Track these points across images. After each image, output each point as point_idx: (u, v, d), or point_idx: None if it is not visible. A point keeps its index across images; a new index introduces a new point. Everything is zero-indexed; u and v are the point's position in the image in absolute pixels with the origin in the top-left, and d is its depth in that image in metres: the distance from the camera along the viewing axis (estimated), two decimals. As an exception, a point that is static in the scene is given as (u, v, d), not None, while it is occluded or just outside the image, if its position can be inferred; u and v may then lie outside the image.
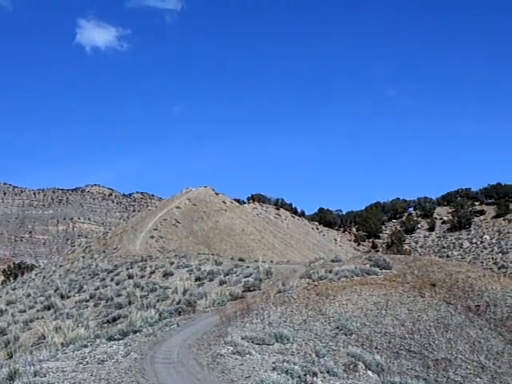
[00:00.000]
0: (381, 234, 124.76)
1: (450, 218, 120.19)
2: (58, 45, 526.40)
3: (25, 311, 37.39)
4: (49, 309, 36.33)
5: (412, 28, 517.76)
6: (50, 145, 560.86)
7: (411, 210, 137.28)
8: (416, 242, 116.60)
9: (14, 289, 59.86)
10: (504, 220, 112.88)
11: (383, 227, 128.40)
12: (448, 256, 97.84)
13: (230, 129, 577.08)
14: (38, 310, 36.80)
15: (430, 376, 17.07)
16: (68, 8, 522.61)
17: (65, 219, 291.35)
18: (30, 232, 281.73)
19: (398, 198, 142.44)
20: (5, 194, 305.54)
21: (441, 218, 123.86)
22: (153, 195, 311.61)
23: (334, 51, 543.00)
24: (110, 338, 20.16)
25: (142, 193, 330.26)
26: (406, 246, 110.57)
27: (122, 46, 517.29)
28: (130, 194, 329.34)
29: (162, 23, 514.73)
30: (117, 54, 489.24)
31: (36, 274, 74.96)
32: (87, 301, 37.09)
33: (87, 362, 15.00)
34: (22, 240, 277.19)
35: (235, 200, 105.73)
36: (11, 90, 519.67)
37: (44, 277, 66.57)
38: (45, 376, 13.12)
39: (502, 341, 19.13)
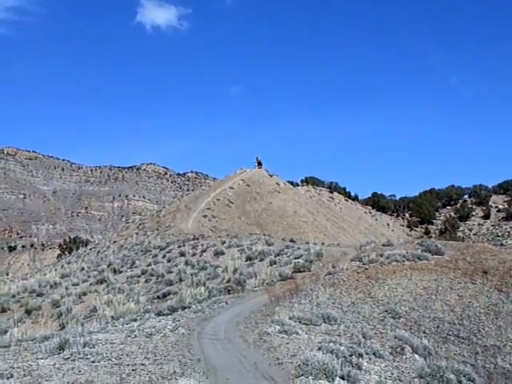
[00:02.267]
0: (434, 221, 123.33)
1: (506, 206, 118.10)
2: (118, 23, 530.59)
3: (78, 284, 38.05)
4: (101, 283, 36.94)
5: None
6: (108, 123, 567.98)
7: (466, 197, 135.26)
8: (470, 230, 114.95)
9: (68, 263, 61.00)
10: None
11: (437, 214, 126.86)
12: (502, 244, 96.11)
13: (285, 111, 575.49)
14: (90, 284, 37.44)
15: (477, 362, 16.85)
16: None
17: (120, 196, 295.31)
18: (86, 208, 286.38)
19: (453, 185, 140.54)
20: (63, 170, 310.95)
21: (496, 207, 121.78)
22: (207, 175, 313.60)
23: (394, 39, 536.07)
24: (159, 313, 20.43)
25: (196, 172, 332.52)
26: (459, 233, 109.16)
27: (182, 26, 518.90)
28: (185, 174, 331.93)
29: (223, 4, 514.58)
30: (177, 33, 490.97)
31: (90, 249, 76.24)
32: (139, 276, 37.56)
33: (135, 335, 15.22)
34: (78, 215, 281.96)
35: (289, 182, 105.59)
36: (72, 69, 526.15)
37: (98, 252, 67.64)
38: (94, 347, 13.35)
39: (554, 330, 18.80)
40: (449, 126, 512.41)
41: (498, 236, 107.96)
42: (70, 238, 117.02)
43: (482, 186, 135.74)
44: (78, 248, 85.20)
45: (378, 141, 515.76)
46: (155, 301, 28.46)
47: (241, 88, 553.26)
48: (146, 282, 35.73)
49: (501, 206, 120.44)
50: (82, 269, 46.70)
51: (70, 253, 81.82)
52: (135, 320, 19.04)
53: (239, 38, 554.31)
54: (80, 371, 11.20)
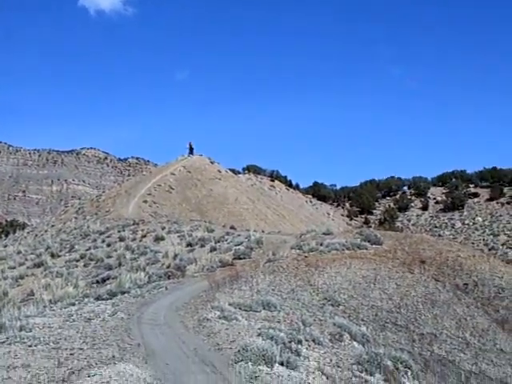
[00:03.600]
0: (374, 211, 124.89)
1: (444, 198, 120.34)
2: (60, 6, 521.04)
3: (15, 268, 37.44)
4: (39, 266, 36.42)
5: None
6: (47, 106, 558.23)
7: (405, 188, 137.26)
8: (409, 220, 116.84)
9: (5, 246, 59.85)
10: (497, 203, 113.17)
11: (377, 204, 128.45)
12: (440, 235, 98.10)
13: (228, 98, 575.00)
14: (28, 268, 36.88)
15: (414, 349, 17.18)
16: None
17: (59, 180, 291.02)
18: (24, 191, 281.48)
19: (393, 176, 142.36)
20: (0, 152, 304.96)
21: (434, 198, 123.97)
22: (148, 161, 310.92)
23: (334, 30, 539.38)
24: (97, 298, 20.22)
25: (137, 158, 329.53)
26: (398, 224, 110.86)
27: (127, 11, 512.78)
28: (126, 159, 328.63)
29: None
30: (122, 18, 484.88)
31: (28, 233, 75.03)
32: (77, 261, 37.13)
33: (74, 320, 15.06)
34: (15, 199, 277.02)
35: (230, 170, 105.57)
36: (11, 50, 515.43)
37: (36, 235, 66.61)
38: (30, 331, 13.15)
39: (488, 319, 19.26)
40: (390, 117, 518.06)
41: (436, 227, 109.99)
42: (6, 220, 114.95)
43: (421, 177, 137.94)
44: (14, 231, 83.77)
45: (319, 130, 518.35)
46: (94, 285, 28.23)
47: (186, 74, 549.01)
48: (85, 266, 35.38)
49: (439, 198, 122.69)
50: (19, 252, 45.91)
51: (6, 236, 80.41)
52: (73, 304, 18.80)
53: (185, 24, 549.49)
54: (16, 355, 11.05)
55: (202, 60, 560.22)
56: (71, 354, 11.33)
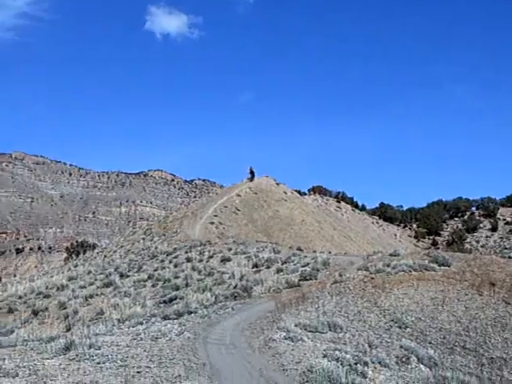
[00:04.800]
0: (441, 232, 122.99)
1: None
2: (127, 31, 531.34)
3: (85, 287, 38.05)
4: (108, 286, 36.97)
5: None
6: (116, 129, 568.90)
7: (474, 209, 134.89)
8: (477, 242, 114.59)
9: (75, 266, 61.04)
10: None
11: (444, 225, 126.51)
12: (510, 257, 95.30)
13: (294, 119, 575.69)
14: (97, 287, 37.45)
15: (483, 374, 16.79)
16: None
17: (127, 202, 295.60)
18: (94, 212, 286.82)
19: (461, 197, 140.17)
20: (70, 174, 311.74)
21: (504, 219, 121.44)
22: (214, 182, 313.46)
23: (401, 52, 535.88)
24: (165, 317, 20.46)
25: (203, 179, 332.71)
26: (466, 245, 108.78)
27: (193, 33, 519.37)
28: (192, 181, 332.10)
29: (234, 13, 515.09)
30: (187, 41, 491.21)
31: (97, 253, 76.25)
32: (145, 281, 37.53)
33: (141, 338, 15.26)
34: (85, 220, 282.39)
35: (296, 191, 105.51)
36: (81, 75, 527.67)
37: (105, 256, 67.67)
38: (99, 349, 13.39)
39: (561, 344, 18.74)
40: (457, 137, 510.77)
41: (506, 248, 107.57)
42: (77, 241, 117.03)
43: (489, 198, 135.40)
44: (85, 252, 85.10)
45: (385, 151, 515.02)
46: (161, 305, 28.48)
47: (251, 96, 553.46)
48: (153, 286, 35.74)
49: (509, 219, 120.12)
50: (89, 272, 46.71)
51: (77, 256, 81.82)
52: (141, 323, 19.07)
53: (250, 46, 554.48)
54: (85, 372, 11.26)
55: (267, 81, 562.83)
56: (138, 372, 11.48)
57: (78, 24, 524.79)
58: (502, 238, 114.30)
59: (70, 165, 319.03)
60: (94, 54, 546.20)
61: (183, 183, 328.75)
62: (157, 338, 15.30)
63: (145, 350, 13.63)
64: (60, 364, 11.85)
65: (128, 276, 40.63)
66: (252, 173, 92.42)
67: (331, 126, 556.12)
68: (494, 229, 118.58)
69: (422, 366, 15.53)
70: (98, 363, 12.07)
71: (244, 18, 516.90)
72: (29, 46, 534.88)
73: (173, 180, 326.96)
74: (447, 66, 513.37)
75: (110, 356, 12.68)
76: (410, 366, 15.25)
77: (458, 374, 14.30)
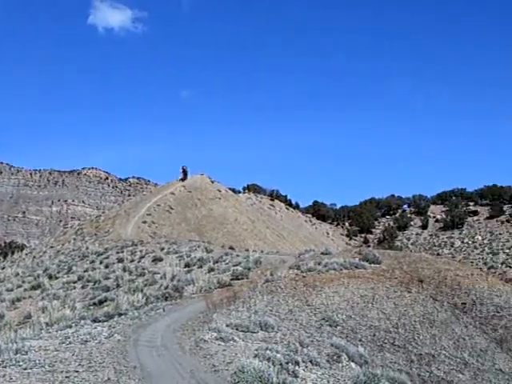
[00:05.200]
0: (373, 230, 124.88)
1: (444, 216, 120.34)
2: (69, 24, 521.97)
3: (12, 290, 37.38)
4: (36, 289, 36.38)
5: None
6: (49, 125, 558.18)
7: (405, 207, 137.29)
8: (408, 239, 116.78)
9: (2, 268, 59.87)
10: (497, 221, 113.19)
11: (376, 223, 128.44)
12: (439, 254, 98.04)
13: (229, 117, 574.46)
14: (25, 290, 36.81)
15: (412, 370, 17.11)
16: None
17: (59, 201, 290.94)
18: (24, 212, 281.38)
19: (393, 195, 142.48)
20: (1, 172, 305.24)
21: (434, 217, 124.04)
22: (149, 181, 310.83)
23: (339, 48, 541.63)
24: (94, 320, 20.19)
25: (138, 178, 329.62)
26: (397, 243, 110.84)
27: (137, 28, 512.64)
28: (126, 179, 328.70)
29: (179, 8, 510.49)
30: (131, 36, 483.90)
31: (26, 254, 74.98)
32: (75, 282, 37.08)
33: (70, 342, 15.01)
34: (15, 220, 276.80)
35: (230, 189, 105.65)
36: (15, 67, 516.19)
37: (34, 257, 66.57)
38: (26, 353, 13.11)
39: (487, 339, 19.19)
40: (390, 135, 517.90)
41: (436, 246, 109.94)
42: (5, 242, 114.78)
43: (421, 196, 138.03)
44: (13, 253, 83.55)
45: (319, 149, 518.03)
46: (91, 307, 28.16)
47: (190, 93, 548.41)
48: (83, 288, 35.30)
49: (439, 216, 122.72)
50: (17, 274, 45.88)
51: (4, 258, 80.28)
52: (70, 327, 18.76)
53: (193, 43, 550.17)
54: (11, 378, 11.01)
55: (206, 79, 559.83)
56: (67, 377, 11.28)
57: (17, 17, 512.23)
58: (431, 235, 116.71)
59: (1, 162, 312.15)
60: (34, 48, 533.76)
61: (117, 181, 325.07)
62: (86, 342, 15.07)
63: (74, 354, 13.41)
64: (-15, 370, 11.59)
65: (57, 278, 40.04)
66: (185, 172, 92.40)
67: (266, 124, 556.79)
68: (424, 226, 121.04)
69: (352, 363, 15.69)
70: (25, 369, 11.81)
71: (189, 14, 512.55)
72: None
73: (107, 178, 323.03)
74: (389, 62, 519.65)
75: (37, 361, 12.42)
76: (340, 364, 15.39)
77: (387, 371, 14.50)
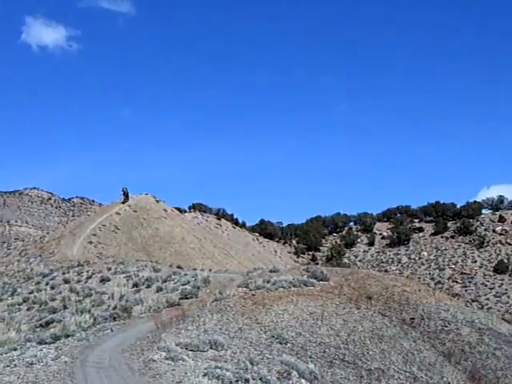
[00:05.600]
0: (321, 248, 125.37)
1: (390, 233, 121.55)
2: (1, 42, 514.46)
3: (-45, 313, 36.51)
4: (-20, 312, 35.58)
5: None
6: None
7: (352, 224, 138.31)
8: (356, 256, 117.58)
9: None
10: (442, 237, 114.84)
11: (323, 241, 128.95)
12: (386, 270, 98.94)
13: (173, 136, 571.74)
14: (-32, 313, 35.99)
15: (362, 385, 17.18)
16: (14, 5, 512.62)
17: (1, 221, 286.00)
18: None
19: (339, 213, 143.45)
20: None
21: (380, 234, 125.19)
22: (93, 201, 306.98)
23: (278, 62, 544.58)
24: (40, 342, 19.85)
25: (82, 198, 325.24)
26: (345, 260, 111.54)
27: (71, 47, 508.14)
28: (70, 199, 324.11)
29: (114, 26, 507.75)
30: (65, 54, 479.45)
31: (-31, 277, 73.41)
32: (20, 304, 36.34)
33: (15, 365, 14.73)
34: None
35: (176, 208, 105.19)
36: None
37: (-23, 279, 65.23)
38: (-31, 378, 12.80)
39: (435, 353, 19.41)
40: (335, 153, 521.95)
41: (383, 262, 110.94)
42: None
43: (366, 213, 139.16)
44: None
45: (264, 167, 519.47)
46: (38, 329, 27.67)
47: (130, 111, 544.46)
48: (28, 309, 34.66)
49: (385, 233, 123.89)
50: (-41, 297, 44.81)
51: None
52: (15, 349, 18.41)
53: (129, 61, 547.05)
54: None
55: (146, 96, 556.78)
56: (12, 401, 11.02)
57: None
58: (378, 252, 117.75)
59: None
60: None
61: (61, 202, 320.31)
62: (32, 364, 14.78)
63: (19, 377, 13.15)
64: None
65: (1, 300, 39.22)
66: (125, 194, 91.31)
67: (210, 142, 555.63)
68: (371, 243, 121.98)
69: (303, 380, 15.69)
70: (-32, 394, 11.54)
71: (124, 31, 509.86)
72: None
73: (49, 199, 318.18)
74: (330, 79, 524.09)
75: (-20, 385, 12.15)
76: (291, 381, 15.38)
77: (337, 388, 14.54)
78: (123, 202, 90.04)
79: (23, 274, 52.03)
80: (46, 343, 19.51)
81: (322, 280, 26.68)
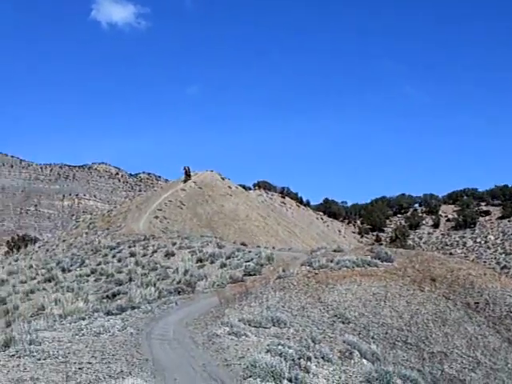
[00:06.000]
0: (385, 228, 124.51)
1: (455, 216, 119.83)
2: (71, 20, 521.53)
3: (26, 282, 37.54)
4: (50, 281, 36.51)
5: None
6: (60, 120, 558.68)
7: (417, 206, 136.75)
8: (420, 238, 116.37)
9: (16, 260, 60.06)
10: (509, 221, 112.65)
11: (388, 221, 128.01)
12: (451, 253, 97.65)
13: (239, 113, 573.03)
14: (38, 282, 36.96)
15: (424, 368, 17.09)
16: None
17: (70, 195, 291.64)
18: (36, 206, 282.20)
19: (404, 194, 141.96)
20: (12, 166, 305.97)
21: (446, 216, 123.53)
22: (159, 176, 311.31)
23: (345, 47, 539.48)
24: (107, 313, 20.27)
25: (148, 173, 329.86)
26: (409, 242, 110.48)
27: (140, 24, 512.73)
28: (137, 174, 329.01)
29: (182, 4, 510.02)
30: (134, 32, 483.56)
31: (39, 247, 75.22)
32: (88, 275, 37.20)
33: (83, 334, 15.07)
34: (27, 213, 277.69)
35: (241, 186, 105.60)
36: (23, 65, 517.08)
37: (47, 250, 66.81)
38: (40, 344, 13.17)
39: (499, 338, 19.12)
40: (402, 134, 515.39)
41: (447, 245, 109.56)
42: (18, 235, 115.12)
43: (432, 195, 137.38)
44: (26, 246, 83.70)
45: (331, 146, 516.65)
46: (104, 300, 28.25)
47: (197, 89, 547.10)
48: (96, 281, 35.41)
49: (450, 216, 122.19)
50: (30, 266, 46.05)
51: (18, 250, 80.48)
52: (83, 319, 18.84)
53: (197, 38, 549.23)
54: (25, 368, 11.05)
55: (214, 74, 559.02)
56: (80, 369, 11.32)
57: (19, 14, 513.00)
58: (443, 234, 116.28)
59: (12, 156, 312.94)
60: (37, 45, 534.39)
61: (128, 177, 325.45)
62: (99, 334, 15.12)
63: (87, 346, 13.46)
64: (-1, 360, 11.65)
65: (70, 271, 40.17)
66: (187, 173, 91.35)
67: (276, 121, 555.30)
68: (435, 225, 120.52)
69: (364, 360, 15.67)
70: (39, 359, 11.85)
71: (192, 9, 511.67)
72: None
73: (117, 173, 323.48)
74: (394, 63, 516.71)
75: (51, 352, 12.47)
76: (352, 361, 15.36)
77: (399, 369, 14.47)
78: (185, 181, 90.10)
79: (91, 246, 53.10)
80: (112, 314, 19.93)
81: (385, 261, 26.50)
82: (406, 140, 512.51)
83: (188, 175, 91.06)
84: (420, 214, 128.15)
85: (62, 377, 10.60)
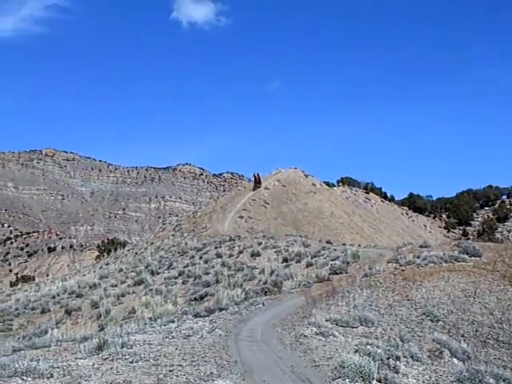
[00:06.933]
0: (472, 222, 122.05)
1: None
2: (153, 19, 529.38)
3: (116, 286, 38.44)
4: (139, 284, 37.29)
5: None
6: (144, 123, 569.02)
7: (504, 197, 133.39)
8: (509, 231, 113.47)
9: (107, 264, 61.64)
10: None
11: (474, 215, 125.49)
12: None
13: (320, 110, 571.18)
14: (129, 285, 37.79)
15: (517, 367, 16.68)
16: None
17: (156, 197, 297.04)
18: (124, 209, 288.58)
19: (491, 186, 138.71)
20: (100, 170, 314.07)
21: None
22: (243, 176, 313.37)
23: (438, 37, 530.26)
24: (196, 315, 20.59)
25: (232, 173, 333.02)
26: (497, 235, 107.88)
27: (220, 22, 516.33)
28: (221, 174, 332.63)
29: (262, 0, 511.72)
30: (214, 30, 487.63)
31: (128, 250, 76.89)
32: (176, 278, 37.81)
33: (173, 337, 15.34)
34: (115, 216, 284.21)
35: (324, 183, 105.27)
36: (108, 67, 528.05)
37: (136, 253, 68.18)
38: (132, 347, 13.48)
39: None
40: (487, 124, 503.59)
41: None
42: (108, 239, 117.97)
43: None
44: (115, 249, 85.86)
45: (414, 140, 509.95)
46: (193, 302, 28.65)
47: (278, 85, 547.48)
48: (184, 283, 35.95)
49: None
50: (120, 270, 47.14)
51: (108, 254, 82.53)
52: (173, 321, 19.18)
53: (277, 34, 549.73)
54: (118, 371, 11.32)
55: (295, 69, 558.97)
56: (170, 371, 11.52)
57: (103, 16, 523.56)
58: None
59: (100, 161, 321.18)
60: (121, 46, 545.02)
61: (212, 177, 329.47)
62: (188, 336, 15.36)
63: (177, 348, 13.69)
64: (93, 364, 11.93)
65: (159, 273, 40.92)
66: (256, 180, 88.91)
67: (359, 116, 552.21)
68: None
69: (455, 359, 15.42)
70: (131, 362, 12.12)
71: (274, 3, 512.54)
72: (57, 40, 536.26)
73: (201, 174, 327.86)
74: (479, 49, 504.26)
75: (142, 355, 12.73)
76: (442, 360, 15.15)
77: (492, 368, 14.18)
78: (254, 189, 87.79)
79: (178, 248, 53.93)
80: (201, 316, 20.23)
81: (474, 256, 25.97)
82: (492, 129, 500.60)
83: (258, 182, 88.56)
84: (508, 206, 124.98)
85: (154, 380, 10.82)
